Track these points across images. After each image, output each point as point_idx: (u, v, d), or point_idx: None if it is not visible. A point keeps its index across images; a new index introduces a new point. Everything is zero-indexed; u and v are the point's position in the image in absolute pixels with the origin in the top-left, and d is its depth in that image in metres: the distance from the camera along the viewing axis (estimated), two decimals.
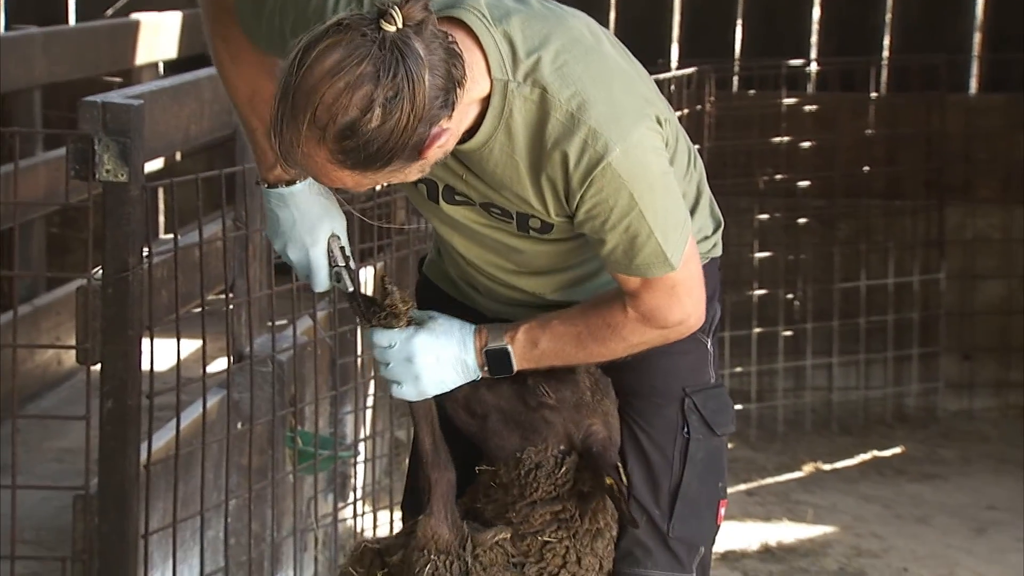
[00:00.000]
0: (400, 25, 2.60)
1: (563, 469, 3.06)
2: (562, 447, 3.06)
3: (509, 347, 2.97)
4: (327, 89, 2.57)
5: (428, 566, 3.01)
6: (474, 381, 3.02)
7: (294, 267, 3.13)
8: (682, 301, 2.92)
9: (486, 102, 2.77)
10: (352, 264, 3.10)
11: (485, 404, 3.05)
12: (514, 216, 2.91)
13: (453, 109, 2.68)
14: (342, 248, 3.09)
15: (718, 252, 3.17)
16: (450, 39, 2.68)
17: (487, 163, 2.83)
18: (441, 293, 3.26)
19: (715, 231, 3.15)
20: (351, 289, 3.07)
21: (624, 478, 3.04)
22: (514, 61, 2.76)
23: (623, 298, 2.92)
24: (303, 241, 3.08)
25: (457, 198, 2.95)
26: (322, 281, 3.10)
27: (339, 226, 3.11)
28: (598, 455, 3.04)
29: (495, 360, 2.99)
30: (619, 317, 2.93)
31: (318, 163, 2.66)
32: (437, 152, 2.71)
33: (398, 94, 2.58)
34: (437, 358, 2.97)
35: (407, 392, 3.00)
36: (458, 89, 2.68)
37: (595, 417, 3.07)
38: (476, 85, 2.74)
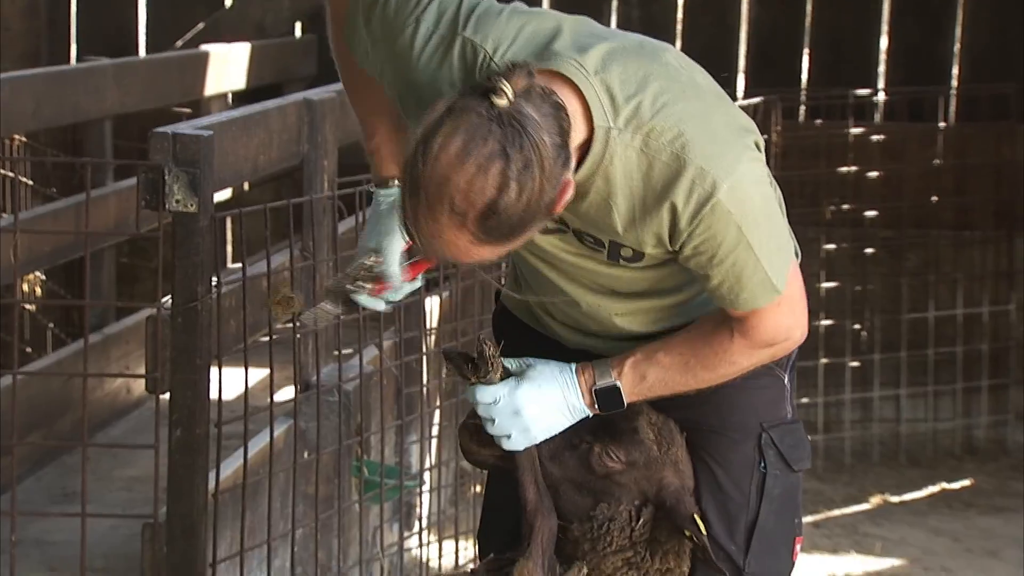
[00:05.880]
0: (512, 98, 2.62)
1: (640, 521, 3.04)
2: (636, 502, 3.05)
3: (619, 383, 2.97)
4: (459, 175, 2.58)
5: None
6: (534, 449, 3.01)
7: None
8: (787, 318, 2.93)
9: (585, 146, 2.77)
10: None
11: (552, 477, 3.04)
12: (606, 246, 2.91)
13: (569, 161, 2.70)
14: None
15: None
16: (553, 95, 2.69)
17: (580, 203, 2.83)
18: (518, 322, 3.26)
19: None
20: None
21: (702, 526, 3.01)
22: (614, 107, 2.76)
23: (729, 323, 2.92)
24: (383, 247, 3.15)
25: (549, 226, 2.93)
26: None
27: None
28: (671, 509, 3.02)
29: (605, 398, 2.98)
30: (726, 343, 2.93)
31: (461, 246, 2.66)
32: (562, 207, 2.73)
33: (528, 164, 2.60)
34: (542, 406, 2.97)
35: (517, 443, 2.99)
36: (568, 141, 2.70)
37: (666, 469, 3.05)
38: (577, 133, 2.75)
